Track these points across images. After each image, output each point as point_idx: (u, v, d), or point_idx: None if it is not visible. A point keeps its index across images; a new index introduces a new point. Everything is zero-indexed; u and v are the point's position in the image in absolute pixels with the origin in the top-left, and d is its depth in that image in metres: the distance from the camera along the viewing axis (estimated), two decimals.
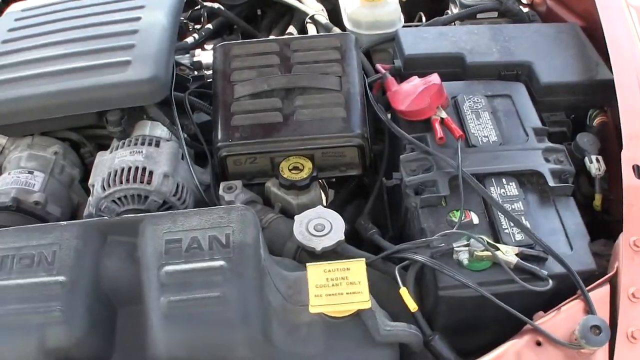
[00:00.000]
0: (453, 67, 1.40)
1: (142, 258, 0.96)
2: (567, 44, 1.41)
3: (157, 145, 1.24)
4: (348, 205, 1.35)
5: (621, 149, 1.14)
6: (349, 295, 0.92)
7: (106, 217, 1.05)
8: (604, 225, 1.20)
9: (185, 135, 1.32)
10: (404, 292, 0.98)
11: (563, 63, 1.37)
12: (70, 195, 1.32)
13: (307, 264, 0.95)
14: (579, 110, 1.39)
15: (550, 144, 1.21)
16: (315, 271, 0.94)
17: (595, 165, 1.21)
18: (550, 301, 1.01)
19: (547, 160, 1.18)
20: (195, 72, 1.52)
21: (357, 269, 0.94)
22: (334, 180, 1.37)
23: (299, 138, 1.21)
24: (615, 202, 1.18)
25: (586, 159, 1.24)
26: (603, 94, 1.33)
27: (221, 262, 0.93)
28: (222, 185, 1.23)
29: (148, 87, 1.18)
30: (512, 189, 1.14)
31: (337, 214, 1.11)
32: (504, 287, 1.00)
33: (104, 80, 1.17)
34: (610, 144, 1.28)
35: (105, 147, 1.30)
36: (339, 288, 0.92)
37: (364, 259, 0.96)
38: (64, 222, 1.01)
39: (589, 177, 1.23)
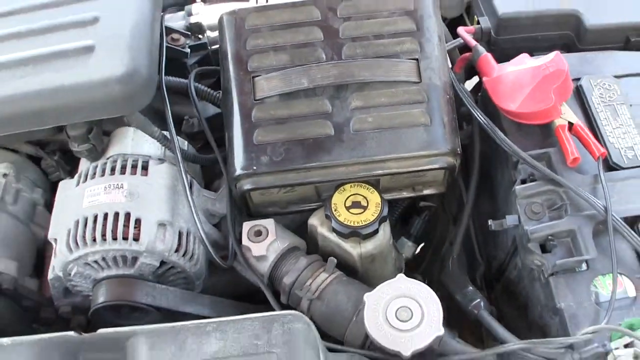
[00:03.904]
0: (563, 30, 0.98)
1: None
2: None
3: (145, 170, 0.84)
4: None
5: None
6: None
7: (72, 333, 0.66)
8: None
9: (186, 146, 0.91)
10: None
11: None
12: (32, 231, 0.92)
13: None
14: None
15: None
16: None
17: None
18: None
19: None
20: (193, 39, 1.07)
21: None
22: None
23: (360, 161, 0.80)
24: None
25: None
26: None
27: None
28: (245, 228, 0.84)
29: (121, 90, 0.74)
30: None
31: (426, 287, 0.74)
32: None
33: (46, 81, 0.73)
34: None
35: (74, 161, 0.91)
36: None
37: None
38: (8, 340, 0.63)
39: None
